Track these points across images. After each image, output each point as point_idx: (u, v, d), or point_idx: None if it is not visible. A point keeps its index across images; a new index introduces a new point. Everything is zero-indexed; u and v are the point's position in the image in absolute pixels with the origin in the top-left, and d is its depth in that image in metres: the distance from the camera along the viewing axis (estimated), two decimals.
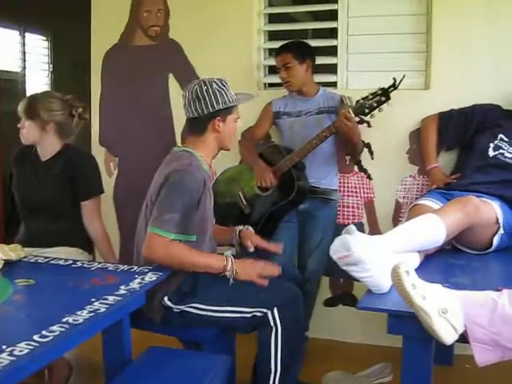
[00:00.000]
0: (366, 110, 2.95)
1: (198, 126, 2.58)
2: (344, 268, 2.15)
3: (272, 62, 3.57)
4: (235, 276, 2.44)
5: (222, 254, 2.53)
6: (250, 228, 2.83)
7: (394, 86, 2.92)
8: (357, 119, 3.01)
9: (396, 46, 3.53)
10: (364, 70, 3.62)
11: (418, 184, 3.49)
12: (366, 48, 3.60)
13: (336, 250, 2.14)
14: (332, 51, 3.68)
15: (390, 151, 3.51)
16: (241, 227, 2.81)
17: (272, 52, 3.72)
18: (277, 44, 3.47)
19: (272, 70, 3.75)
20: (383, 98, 2.92)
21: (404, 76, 2.91)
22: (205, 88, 2.52)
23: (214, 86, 2.53)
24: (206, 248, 2.57)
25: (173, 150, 2.67)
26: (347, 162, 3.57)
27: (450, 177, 3.15)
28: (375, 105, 2.93)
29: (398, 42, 3.53)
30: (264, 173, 3.23)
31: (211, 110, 2.53)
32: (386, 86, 2.93)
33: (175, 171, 2.44)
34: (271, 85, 3.85)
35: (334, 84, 3.68)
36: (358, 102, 2.99)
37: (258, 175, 3.25)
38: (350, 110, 2.98)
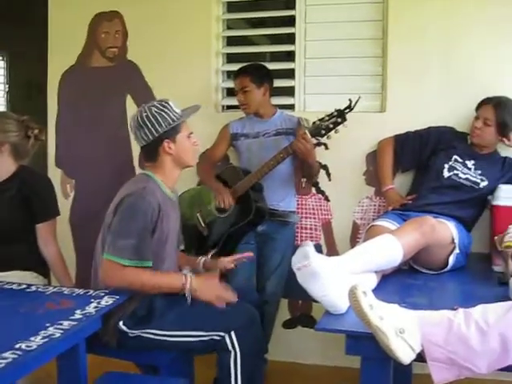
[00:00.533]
0: (323, 131, 2.96)
1: (149, 152, 2.56)
2: (301, 284, 2.15)
3: (230, 84, 3.58)
4: (194, 295, 2.43)
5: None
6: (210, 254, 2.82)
7: (350, 108, 2.94)
8: (314, 141, 3.03)
9: (353, 69, 3.59)
10: (321, 92, 3.65)
11: (375, 205, 3.52)
12: (323, 71, 3.64)
13: (296, 261, 2.15)
14: (290, 74, 3.71)
15: (347, 173, 3.53)
16: (204, 258, 2.79)
17: (230, 74, 3.74)
18: (235, 66, 3.49)
19: (230, 92, 3.76)
20: (339, 120, 2.93)
21: (359, 98, 2.95)
22: (145, 114, 2.50)
23: (153, 109, 2.50)
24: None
25: (138, 173, 2.68)
26: (303, 185, 3.59)
27: (406, 198, 3.19)
28: (331, 126, 2.95)
29: (355, 65, 3.58)
30: (222, 193, 3.22)
31: (156, 135, 2.49)
32: (342, 108, 2.95)
33: (128, 196, 2.42)
34: (229, 107, 3.85)
35: (291, 106, 3.70)
36: (314, 123, 3.00)
37: (217, 196, 3.24)
38: (307, 132, 3.00)
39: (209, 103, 3.73)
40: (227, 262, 2.77)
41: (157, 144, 2.51)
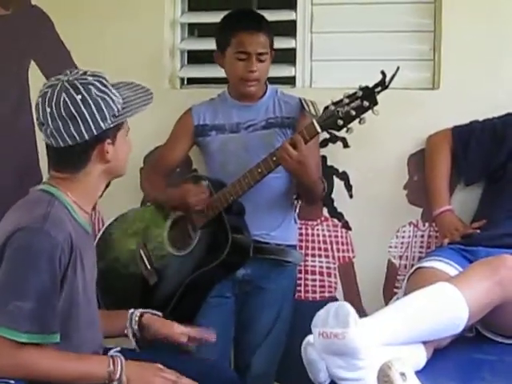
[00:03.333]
0: (340, 122, 2.95)
1: (71, 159, 2.48)
2: (322, 356, 2.16)
3: (194, 44, 3.57)
4: None
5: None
6: (156, 312, 2.78)
7: (384, 84, 2.93)
8: (323, 136, 3.01)
9: (387, 20, 3.61)
10: (337, 58, 3.68)
11: (422, 236, 3.54)
12: (341, 24, 3.66)
13: (323, 321, 2.16)
14: (289, 28, 3.72)
15: (379, 185, 3.55)
16: (140, 310, 2.76)
17: (194, 29, 3.73)
18: (202, 17, 3.49)
19: (193, 57, 3.76)
20: (366, 103, 2.92)
21: (398, 68, 2.93)
22: (79, 97, 2.38)
23: (94, 91, 2.40)
24: (81, 349, 2.49)
25: (34, 188, 2.60)
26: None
27: (471, 225, 3.20)
28: (354, 113, 2.93)
29: (391, 14, 3.61)
30: (193, 192, 3.22)
31: (96, 133, 2.41)
32: (371, 85, 2.94)
33: (20, 231, 2.34)
34: (192, 81, 3.88)
35: (290, 80, 3.72)
36: (327, 108, 2.98)
37: (188, 199, 3.22)
38: (315, 123, 2.98)
39: (158, 75, 3.75)
40: (178, 332, 2.73)
41: (91, 147, 2.44)
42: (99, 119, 2.39)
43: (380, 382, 1.92)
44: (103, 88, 2.42)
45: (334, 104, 2.97)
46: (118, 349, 2.63)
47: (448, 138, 3.38)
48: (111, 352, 2.52)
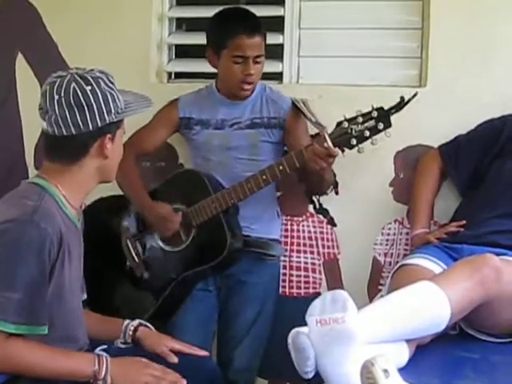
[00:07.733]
0: (353, 141, 2.88)
1: (71, 148, 2.45)
2: (316, 345, 2.17)
3: (182, 38, 3.55)
4: None
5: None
6: (149, 325, 2.76)
7: (400, 109, 2.90)
8: (339, 153, 2.92)
9: (375, 17, 3.60)
10: (325, 54, 3.67)
11: (407, 233, 3.53)
12: (329, 20, 3.66)
13: (320, 309, 2.18)
14: (276, 25, 3.72)
15: (365, 182, 3.55)
16: (134, 322, 2.74)
17: (182, 23, 3.72)
18: (190, 11, 3.47)
19: (181, 52, 3.75)
20: (381, 125, 2.86)
21: (416, 93, 2.94)
22: (89, 88, 2.39)
23: (102, 84, 2.41)
24: (67, 344, 2.48)
25: (25, 181, 2.58)
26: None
27: (451, 224, 3.19)
28: (368, 134, 2.87)
29: (379, 11, 3.61)
30: (165, 216, 3.23)
31: (100, 124, 2.40)
32: (386, 107, 2.89)
33: (9, 222, 2.34)
34: (179, 75, 3.87)
35: (277, 76, 3.72)
36: (340, 124, 2.90)
37: (157, 221, 3.24)
38: (327, 139, 2.89)
39: (146, 69, 3.75)
40: (171, 344, 2.70)
41: (92, 138, 2.43)
42: (105, 111, 2.40)
43: (363, 379, 1.92)
44: (110, 84, 2.43)
45: (348, 121, 2.89)
46: (104, 347, 2.61)
47: (436, 159, 3.38)
48: (97, 350, 2.50)
